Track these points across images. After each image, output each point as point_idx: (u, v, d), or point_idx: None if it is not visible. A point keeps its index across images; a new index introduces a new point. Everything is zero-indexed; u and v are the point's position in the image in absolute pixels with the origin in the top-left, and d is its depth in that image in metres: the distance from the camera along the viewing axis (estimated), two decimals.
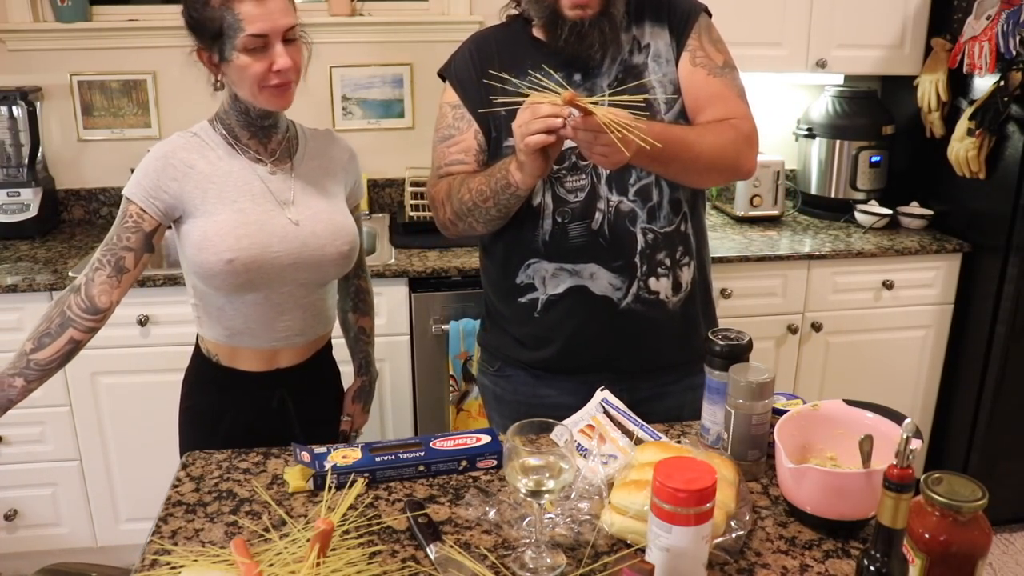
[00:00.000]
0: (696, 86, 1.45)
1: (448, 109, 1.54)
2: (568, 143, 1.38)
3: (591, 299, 1.47)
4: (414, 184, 2.70)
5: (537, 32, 1.48)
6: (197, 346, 1.58)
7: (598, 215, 1.44)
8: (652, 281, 1.47)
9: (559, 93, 1.19)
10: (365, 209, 2.84)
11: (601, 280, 1.46)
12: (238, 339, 1.48)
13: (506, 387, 1.61)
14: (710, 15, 1.51)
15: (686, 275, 1.51)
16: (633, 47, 1.46)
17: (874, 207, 2.77)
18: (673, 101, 1.46)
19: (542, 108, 1.21)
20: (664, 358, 1.53)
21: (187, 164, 1.41)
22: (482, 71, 1.47)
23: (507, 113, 1.39)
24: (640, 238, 1.45)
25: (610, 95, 1.37)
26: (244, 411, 1.50)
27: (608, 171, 1.43)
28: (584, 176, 1.44)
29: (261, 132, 1.44)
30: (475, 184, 1.42)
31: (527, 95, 1.26)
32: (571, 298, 1.48)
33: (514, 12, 1.53)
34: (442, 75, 1.58)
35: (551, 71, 1.43)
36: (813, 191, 2.90)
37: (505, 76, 1.41)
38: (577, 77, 1.44)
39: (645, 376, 1.51)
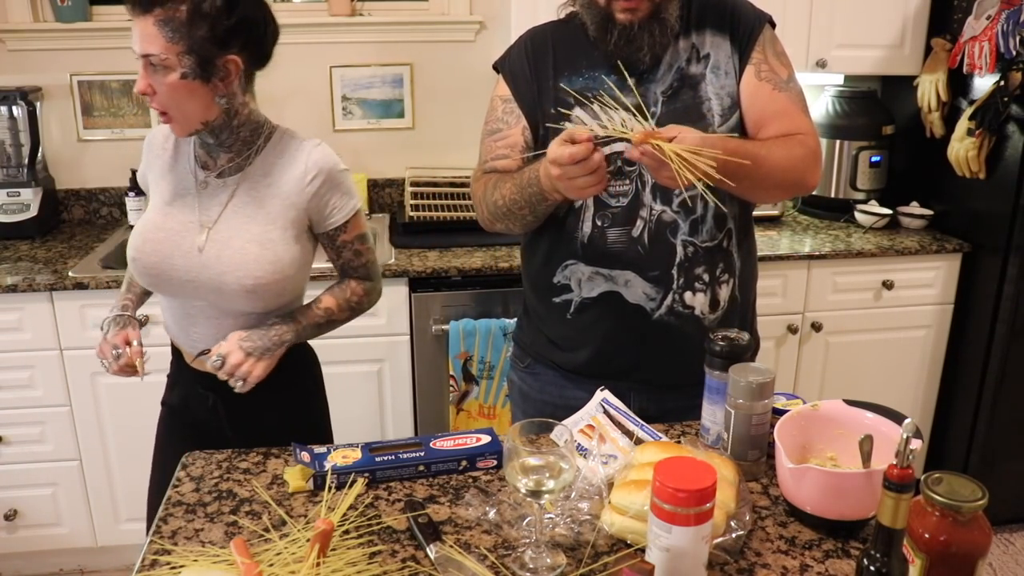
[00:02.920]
0: (761, 101, 1.41)
1: (499, 102, 1.51)
2: (615, 147, 1.37)
3: (624, 306, 1.45)
4: (414, 184, 2.71)
5: (592, 34, 1.46)
6: None
7: (639, 222, 1.42)
8: (688, 295, 1.44)
9: (630, 125, 1.20)
10: (365, 209, 2.84)
11: (636, 288, 1.44)
12: (171, 333, 1.50)
13: (534, 385, 1.60)
14: (774, 26, 1.48)
15: (724, 293, 1.47)
16: (692, 55, 1.43)
17: (874, 207, 2.77)
18: (728, 115, 1.42)
19: (584, 157, 1.19)
20: (696, 374, 1.46)
21: (154, 153, 1.46)
22: (536, 67, 1.46)
23: (555, 116, 1.40)
24: (680, 250, 1.42)
25: (663, 96, 1.37)
26: (188, 406, 1.50)
27: (654, 179, 1.39)
28: (629, 182, 1.42)
29: (207, 147, 1.42)
30: (507, 191, 1.41)
31: (589, 102, 1.26)
32: (604, 303, 1.46)
33: (573, 9, 1.50)
34: (496, 67, 1.55)
35: (604, 73, 1.42)
36: (813, 191, 2.90)
37: (566, 89, 1.41)
38: (631, 81, 1.41)
39: (675, 389, 1.48)
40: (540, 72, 1.46)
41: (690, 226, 1.43)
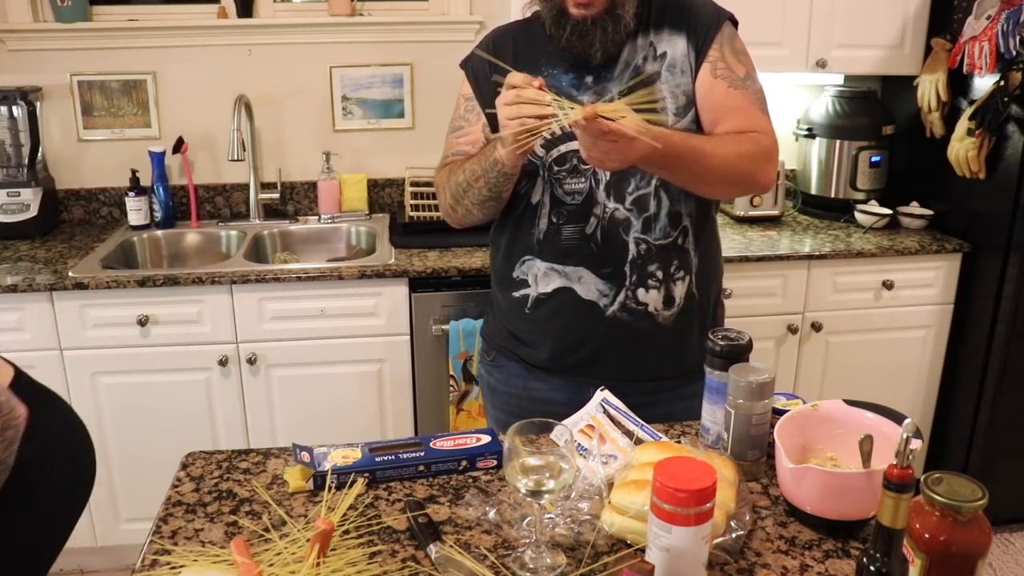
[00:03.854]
0: (716, 98, 1.42)
1: (462, 101, 1.56)
2: (571, 145, 1.38)
3: (577, 302, 1.48)
4: (414, 184, 2.71)
5: (549, 30, 1.47)
6: None
7: (592, 220, 1.45)
8: (641, 292, 1.46)
9: (580, 103, 1.18)
10: (366, 209, 2.84)
11: (589, 284, 1.47)
12: None
13: (499, 377, 1.63)
14: (736, 24, 1.49)
15: (680, 289, 1.48)
16: (648, 54, 1.44)
17: (874, 207, 2.77)
18: (683, 112, 1.43)
19: (526, 109, 1.20)
20: (652, 370, 1.52)
21: None
22: (495, 67, 1.47)
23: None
24: (632, 247, 1.45)
25: (620, 95, 1.37)
26: None
27: (608, 176, 1.43)
28: (583, 180, 1.44)
29: None
30: (468, 164, 1.44)
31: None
32: (558, 299, 1.49)
33: (536, 8, 1.51)
34: (463, 67, 1.58)
35: (562, 71, 1.44)
36: (813, 191, 2.90)
37: (502, 65, 1.40)
38: (588, 79, 1.44)
39: (634, 383, 1.49)
40: (500, 71, 1.46)
41: (643, 224, 1.44)
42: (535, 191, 1.47)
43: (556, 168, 1.44)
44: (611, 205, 1.44)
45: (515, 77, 1.24)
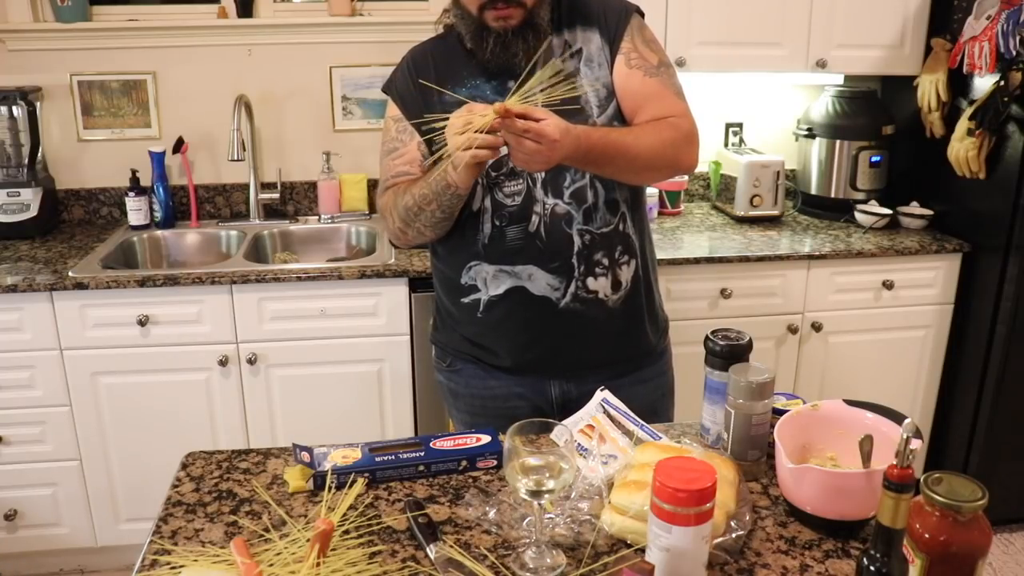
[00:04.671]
0: (633, 87, 1.47)
1: (391, 123, 1.57)
2: (506, 149, 1.39)
3: (530, 299, 1.50)
4: None
5: (469, 44, 1.50)
6: None
7: (535, 218, 1.47)
8: (590, 281, 1.49)
9: (491, 102, 1.22)
10: (366, 209, 2.84)
11: (539, 281, 1.49)
12: None
13: (459, 381, 1.64)
14: (642, 15, 1.54)
15: (626, 273, 1.53)
16: (564, 51, 1.48)
17: (874, 207, 2.77)
18: (606, 104, 1.48)
19: (476, 122, 1.22)
20: (608, 354, 1.56)
21: None
22: (418, 84, 1.51)
23: (444, 123, 1.41)
24: (577, 239, 1.47)
25: (540, 92, 1.37)
26: None
27: (544, 174, 1.45)
28: (521, 181, 1.46)
29: None
30: (416, 189, 1.45)
31: (464, 103, 1.29)
32: (511, 299, 1.51)
33: (448, 22, 1.55)
34: (386, 91, 1.61)
35: (484, 81, 1.47)
36: (813, 191, 2.90)
37: (434, 87, 1.45)
38: (511, 84, 1.42)
39: (591, 372, 1.53)
40: (424, 88, 1.49)
41: (583, 215, 1.47)
42: (475, 198, 1.48)
43: (494, 173, 1.46)
44: (550, 201, 1.46)
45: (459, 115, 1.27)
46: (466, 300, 1.55)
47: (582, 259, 1.48)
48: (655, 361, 1.64)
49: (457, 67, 1.51)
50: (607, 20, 1.49)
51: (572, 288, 1.49)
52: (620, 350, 1.57)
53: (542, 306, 1.50)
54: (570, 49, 1.48)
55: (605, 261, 1.50)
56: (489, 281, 1.52)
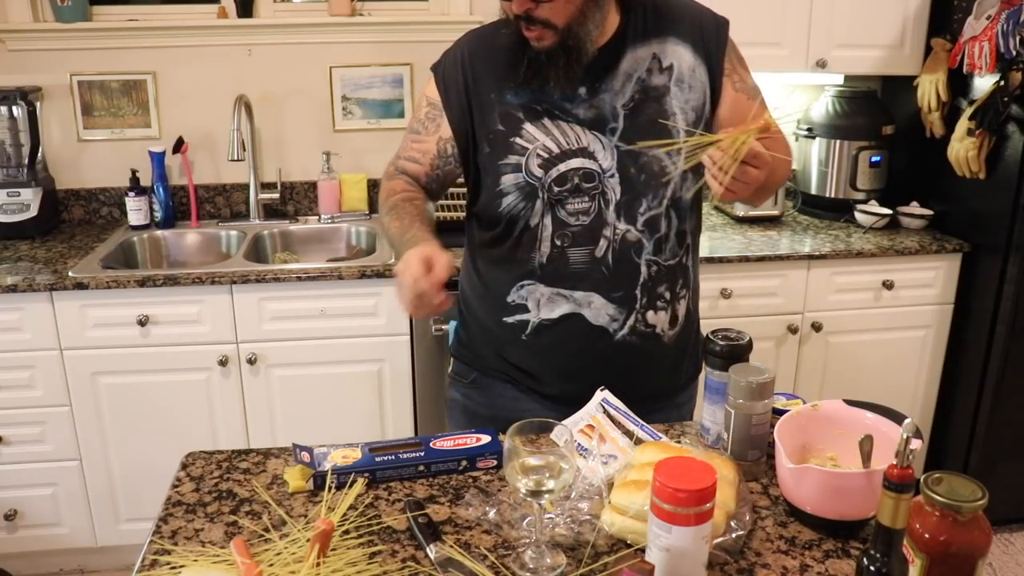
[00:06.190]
0: (741, 113, 1.36)
1: (425, 103, 1.46)
2: (570, 164, 1.34)
3: (587, 329, 1.40)
4: None
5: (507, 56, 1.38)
6: None
7: (603, 242, 1.37)
8: (650, 314, 1.41)
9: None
10: (366, 209, 2.84)
11: (599, 310, 1.39)
12: None
13: (481, 400, 1.53)
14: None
15: (682, 308, 1.45)
16: (654, 66, 1.36)
17: (874, 207, 2.77)
18: (692, 130, 1.35)
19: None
20: (654, 388, 1.48)
21: None
22: (474, 79, 1.39)
23: (502, 131, 1.36)
24: (644, 270, 1.39)
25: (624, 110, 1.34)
26: None
27: (618, 196, 1.36)
28: (588, 199, 1.36)
29: None
30: (392, 228, 1.40)
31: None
32: (566, 325, 1.40)
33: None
34: (433, 70, 1.47)
35: (552, 89, 1.34)
36: (813, 191, 2.90)
37: (512, 103, 1.36)
38: (582, 91, 1.34)
39: (634, 405, 1.40)
40: (479, 84, 1.38)
41: (654, 245, 1.39)
42: (534, 213, 1.37)
43: (556, 188, 1.35)
44: (622, 226, 1.37)
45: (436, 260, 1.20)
46: (510, 320, 1.43)
47: (645, 291, 1.39)
48: (688, 384, 1.56)
49: (509, 75, 1.36)
50: (703, 36, 1.38)
51: (631, 320, 1.39)
52: (666, 383, 1.50)
53: (598, 337, 1.39)
54: (660, 64, 1.36)
55: (667, 295, 1.41)
56: (543, 303, 1.40)
